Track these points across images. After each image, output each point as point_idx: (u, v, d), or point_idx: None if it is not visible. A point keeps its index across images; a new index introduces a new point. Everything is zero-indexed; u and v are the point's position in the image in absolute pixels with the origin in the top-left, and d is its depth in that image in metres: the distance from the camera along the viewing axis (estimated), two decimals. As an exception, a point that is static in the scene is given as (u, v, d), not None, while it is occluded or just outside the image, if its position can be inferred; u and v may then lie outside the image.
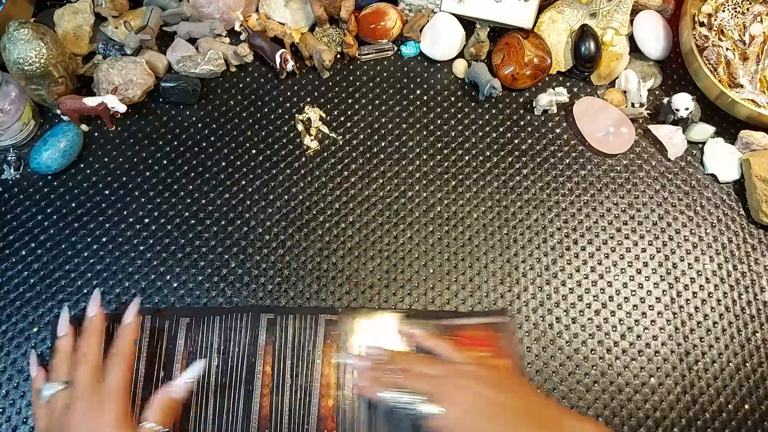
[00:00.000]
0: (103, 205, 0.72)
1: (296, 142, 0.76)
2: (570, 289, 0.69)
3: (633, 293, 0.69)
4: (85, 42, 0.79)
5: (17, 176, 0.73)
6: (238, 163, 0.75)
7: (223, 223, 0.71)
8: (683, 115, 0.75)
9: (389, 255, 0.70)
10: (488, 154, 0.76)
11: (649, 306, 0.68)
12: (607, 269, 0.70)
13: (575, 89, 0.81)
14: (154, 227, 0.71)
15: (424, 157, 0.76)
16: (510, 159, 0.76)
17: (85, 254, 0.69)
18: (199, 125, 0.77)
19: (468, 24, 0.81)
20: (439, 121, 0.78)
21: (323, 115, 0.78)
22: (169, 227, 0.71)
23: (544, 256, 0.71)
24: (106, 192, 0.72)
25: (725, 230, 0.73)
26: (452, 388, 0.55)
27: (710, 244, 0.72)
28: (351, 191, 0.74)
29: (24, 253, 0.69)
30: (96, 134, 0.76)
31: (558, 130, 0.78)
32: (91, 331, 0.60)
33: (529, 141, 0.77)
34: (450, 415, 0.53)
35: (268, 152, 0.75)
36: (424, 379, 0.56)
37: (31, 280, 0.68)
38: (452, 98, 0.79)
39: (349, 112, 0.78)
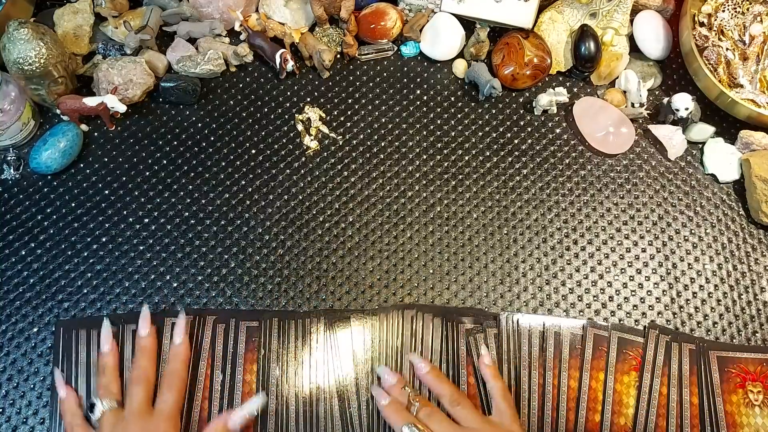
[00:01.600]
0: (103, 205, 0.72)
1: (296, 142, 0.76)
2: (570, 289, 0.69)
3: (633, 293, 0.69)
4: (85, 42, 0.79)
5: (17, 176, 0.73)
6: (238, 163, 0.75)
7: (223, 223, 0.71)
8: (683, 115, 0.75)
9: (389, 255, 0.70)
10: (488, 154, 0.76)
11: (649, 306, 0.68)
12: (607, 269, 0.70)
13: (575, 89, 0.81)
14: (154, 227, 0.71)
15: (424, 157, 0.76)
16: (510, 159, 0.76)
17: (85, 254, 0.69)
18: (199, 125, 0.77)
19: (468, 24, 0.81)
20: (439, 121, 0.78)
21: (323, 115, 0.78)
22: (169, 227, 0.71)
23: (544, 256, 0.71)
24: (106, 192, 0.73)
25: (725, 230, 0.73)
26: None
27: (710, 244, 0.72)
28: (351, 191, 0.74)
29: (24, 253, 0.69)
30: (96, 134, 0.76)
31: (558, 130, 0.78)
32: (145, 351, 0.60)
33: (529, 141, 0.77)
34: None
35: (268, 152, 0.75)
36: (450, 427, 0.55)
37: (31, 280, 0.68)
38: (452, 98, 0.79)
39: (349, 112, 0.78)
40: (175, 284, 0.68)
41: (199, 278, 0.68)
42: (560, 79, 0.81)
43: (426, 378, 0.60)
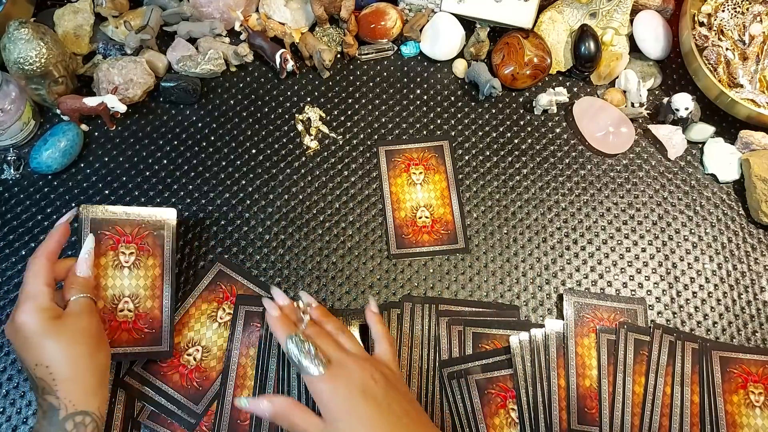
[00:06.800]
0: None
1: (296, 142, 0.76)
2: (570, 289, 0.69)
3: (633, 293, 0.69)
4: (85, 42, 0.79)
5: (17, 176, 0.73)
6: (238, 163, 0.75)
7: (223, 223, 0.71)
8: (683, 115, 0.75)
9: (389, 255, 0.70)
10: (488, 154, 0.76)
11: (649, 306, 0.68)
12: (607, 269, 0.70)
13: (575, 89, 0.81)
14: (154, 227, 0.71)
15: (424, 156, 0.76)
16: (510, 159, 0.76)
17: (85, 254, 0.69)
18: (199, 125, 0.77)
19: (468, 24, 0.81)
20: (439, 121, 0.78)
21: (323, 115, 0.78)
22: (169, 227, 0.71)
23: (543, 256, 0.71)
24: (106, 192, 0.73)
25: (725, 230, 0.73)
26: (350, 367, 0.53)
27: (710, 243, 0.72)
28: (351, 191, 0.74)
29: (24, 253, 0.69)
30: (96, 134, 0.76)
31: (558, 130, 0.78)
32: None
33: (529, 141, 0.77)
34: (328, 385, 0.52)
35: (268, 152, 0.75)
36: (335, 347, 0.55)
37: (32, 280, 0.67)
38: (452, 98, 0.79)
39: (349, 112, 0.78)
40: (175, 284, 0.68)
41: (200, 278, 0.68)
42: (560, 78, 0.81)
43: (313, 313, 0.60)
